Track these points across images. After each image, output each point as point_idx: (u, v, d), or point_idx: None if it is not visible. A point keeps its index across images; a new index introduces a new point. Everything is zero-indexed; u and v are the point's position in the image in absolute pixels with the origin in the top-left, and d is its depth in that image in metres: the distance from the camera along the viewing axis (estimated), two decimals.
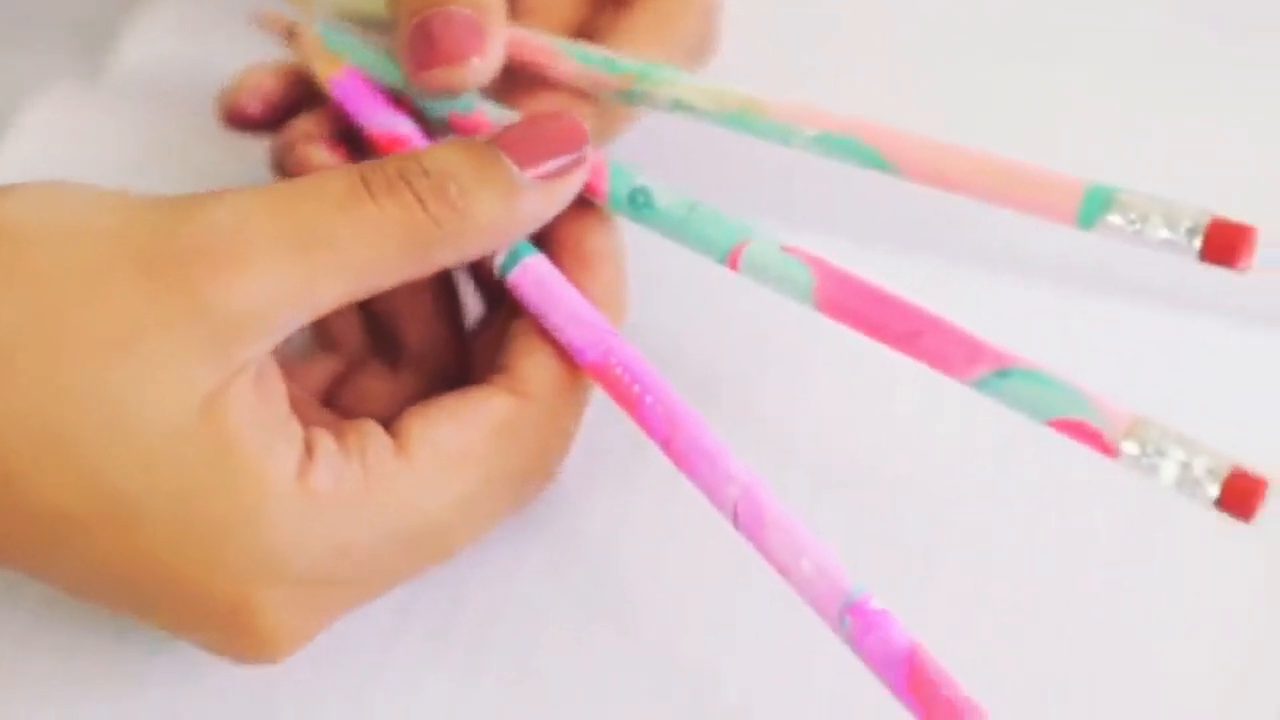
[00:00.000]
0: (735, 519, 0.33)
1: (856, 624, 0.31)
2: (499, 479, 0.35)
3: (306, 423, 0.34)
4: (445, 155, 0.34)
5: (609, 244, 0.37)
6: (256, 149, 0.44)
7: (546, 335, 0.36)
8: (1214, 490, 0.32)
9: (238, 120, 0.43)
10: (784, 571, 0.32)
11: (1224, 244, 0.33)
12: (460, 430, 0.34)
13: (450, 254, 0.34)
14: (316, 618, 0.34)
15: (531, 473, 0.36)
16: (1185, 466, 0.32)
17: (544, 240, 0.37)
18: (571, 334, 0.35)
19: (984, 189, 0.36)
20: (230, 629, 0.33)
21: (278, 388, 0.34)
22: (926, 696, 0.31)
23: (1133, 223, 0.34)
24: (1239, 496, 0.32)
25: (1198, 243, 0.34)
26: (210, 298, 0.32)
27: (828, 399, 0.41)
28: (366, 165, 0.34)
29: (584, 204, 0.37)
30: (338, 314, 0.39)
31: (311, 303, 0.33)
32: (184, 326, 0.32)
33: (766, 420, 0.41)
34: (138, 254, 0.32)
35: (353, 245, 0.33)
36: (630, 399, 0.35)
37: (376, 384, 0.38)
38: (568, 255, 0.37)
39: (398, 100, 0.40)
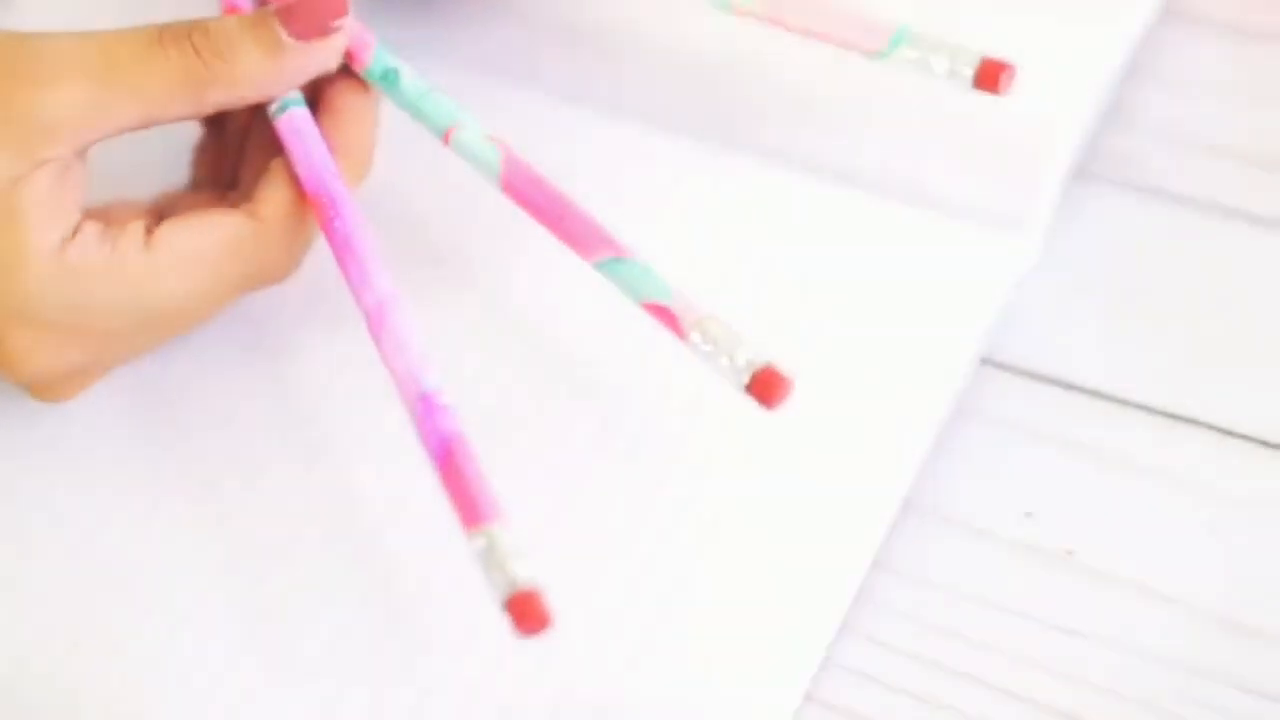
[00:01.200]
0: (367, 320, 0.42)
1: (421, 410, 0.39)
2: (227, 280, 0.44)
3: (101, 218, 0.43)
4: (227, 21, 0.44)
5: (360, 105, 0.46)
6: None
7: (291, 172, 0.44)
8: (745, 379, 0.40)
9: None
10: (389, 367, 0.41)
11: (990, 75, 0.43)
12: (196, 237, 0.43)
13: (224, 95, 0.44)
14: (61, 362, 0.44)
15: (257, 279, 0.45)
16: (731, 358, 0.40)
17: (314, 99, 0.46)
18: (302, 171, 0.44)
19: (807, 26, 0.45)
20: None
21: (77, 183, 0.43)
22: (456, 485, 0.38)
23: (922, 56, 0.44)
24: (764, 388, 0.39)
25: (969, 74, 0.44)
26: (22, 106, 0.42)
27: (494, 258, 0.49)
28: (167, 25, 0.43)
29: (349, 74, 0.46)
30: (199, 148, 0.49)
31: (107, 122, 0.43)
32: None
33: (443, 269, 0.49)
34: None
35: (143, 80, 0.43)
36: (325, 223, 0.43)
37: (189, 204, 0.46)
38: (325, 111, 0.46)
39: None
